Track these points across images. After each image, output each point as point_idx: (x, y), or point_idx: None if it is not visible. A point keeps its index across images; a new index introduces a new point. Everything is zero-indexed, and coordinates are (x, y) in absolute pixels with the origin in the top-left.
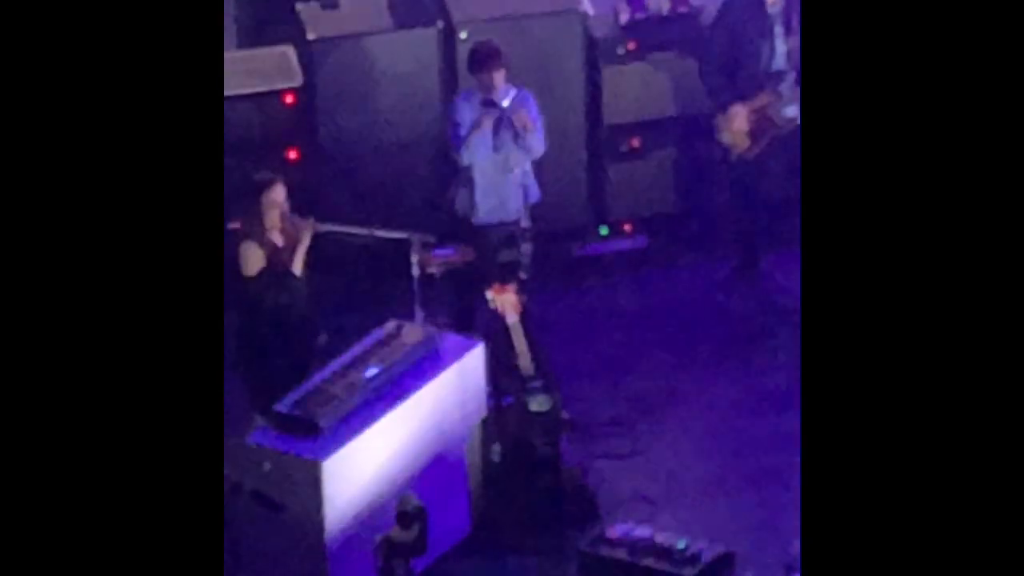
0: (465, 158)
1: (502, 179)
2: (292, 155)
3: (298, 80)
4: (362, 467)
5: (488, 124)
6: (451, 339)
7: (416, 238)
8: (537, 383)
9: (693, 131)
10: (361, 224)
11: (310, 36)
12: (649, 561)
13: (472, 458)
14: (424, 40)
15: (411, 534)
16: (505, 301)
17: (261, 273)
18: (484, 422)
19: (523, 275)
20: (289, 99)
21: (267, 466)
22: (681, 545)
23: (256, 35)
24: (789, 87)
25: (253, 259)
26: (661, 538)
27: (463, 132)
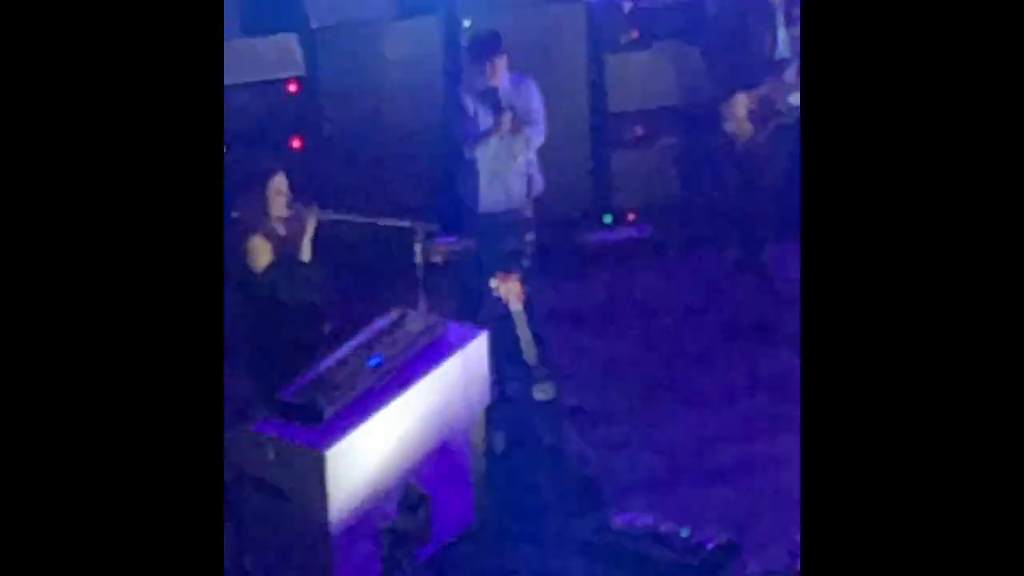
0: (475, 153)
1: (506, 168)
2: (295, 144)
3: (301, 68)
4: (366, 456)
5: (506, 126)
6: (455, 328)
7: (419, 226)
8: (541, 371)
9: (697, 120)
10: (364, 212)
11: (313, 24)
12: (653, 550)
13: (476, 447)
14: (427, 28)
15: (415, 523)
16: (509, 290)
17: (269, 266)
18: (488, 411)
19: (527, 264)
20: (292, 87)
21: (271, 455)
22: (685, 534)
23: (260, 23)
24: (793, 74)
25: (261, 253)
26: (665, 527)
27: (471, 125)
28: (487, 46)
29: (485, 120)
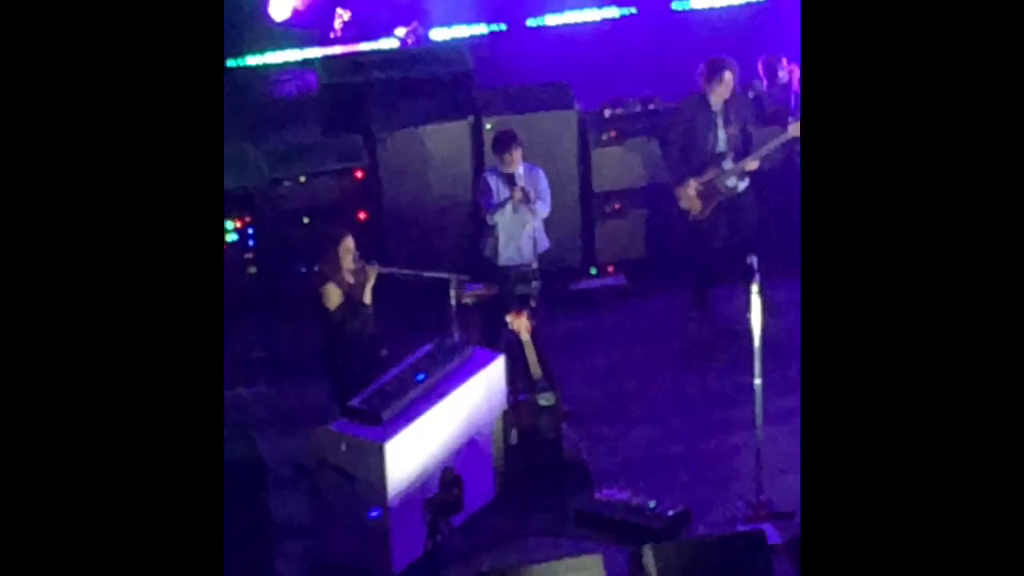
0: (495, 219)
1: (519, 233)
2: (361, 216)
3: (366, 160)
4: (414, 447)
5: (519, 197)
6: (480, 352)
7: (454, 277)
8: (544, 384)
9: (660, 197)
10: (413, 267)
11: (374, 128)
12: (627, 517)
13: (496, 440)
14: (459, 130)
15: (451, 497)
16: (520, 324)
17: (340, 307)
18: (505, 413)
19: (534, 304)
20: (359, 174)
21: (344, 447)
22: (652, 504)
23: (335, 127)
24: (729, 164)
25: (334, 296)
26: (637, 500)
27: (493, 199)
28: (506, 141)
29: (504, 195)
